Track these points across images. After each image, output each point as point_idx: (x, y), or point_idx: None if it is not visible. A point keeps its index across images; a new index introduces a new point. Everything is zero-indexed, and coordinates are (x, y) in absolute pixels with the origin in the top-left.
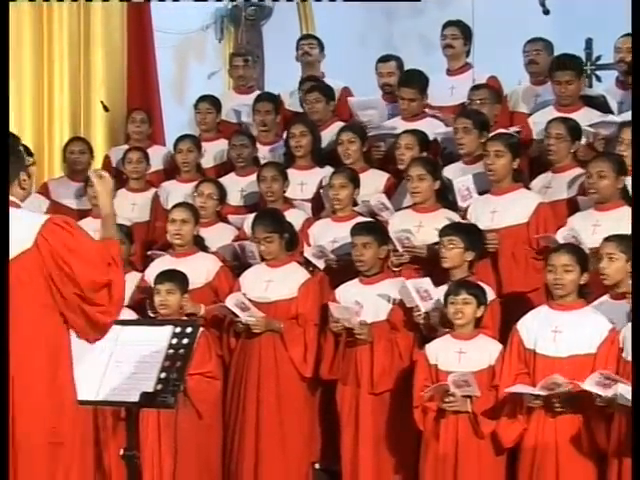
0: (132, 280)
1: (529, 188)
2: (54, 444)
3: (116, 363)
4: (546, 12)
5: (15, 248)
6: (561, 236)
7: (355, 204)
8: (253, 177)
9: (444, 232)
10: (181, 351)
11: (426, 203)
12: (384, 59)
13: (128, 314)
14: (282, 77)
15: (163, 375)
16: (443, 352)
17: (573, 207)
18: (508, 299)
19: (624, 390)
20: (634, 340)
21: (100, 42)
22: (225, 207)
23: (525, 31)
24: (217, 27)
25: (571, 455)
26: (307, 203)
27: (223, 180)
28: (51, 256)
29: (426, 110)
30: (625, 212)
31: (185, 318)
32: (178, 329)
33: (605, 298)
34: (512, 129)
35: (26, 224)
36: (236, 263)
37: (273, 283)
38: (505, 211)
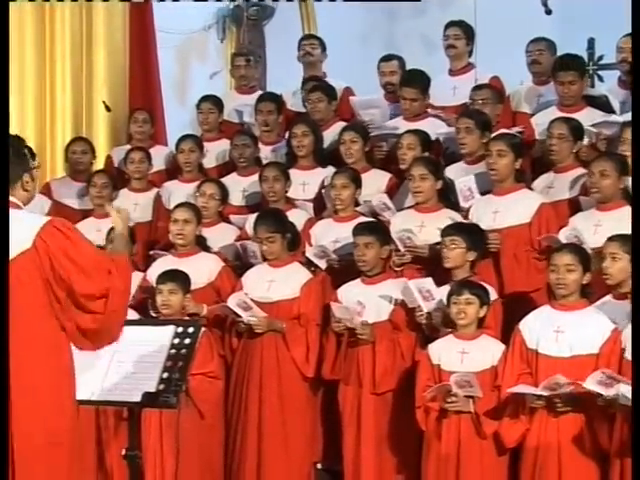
0: (134, 280)
1: (531, 188)
2: (54, 444)
3: (118, 363)
4: (548, 12)
5: (15, 248)
6: (563, 236)
7: (357, 204)
8: (255, 177)
9: (446, 232)
10: (183, 351)
11: (428, 203)
12: (386, 58)
13: (130, 314)
14: (284, 77)
15: (165, 375)
16: (446, 352)
17: (575, 207)
18: (510, 299)
19: (626, 390)
20: (634, 340)
21: (102, 42)
22: (227, 207)
23: (527, 31)
24: (219, 27)
25: (573, 455)
26: (309, 203)
27: (225, 180)
28: (48, 258)
29: (428, 110)
30: (627, 212)
31: (187, 318)
32: (180, 329)
33: (608, 298)
34: (515, 129)
35: (26, 225)
36: (238, 263)
37: (275, 283)
38: (507, 211)
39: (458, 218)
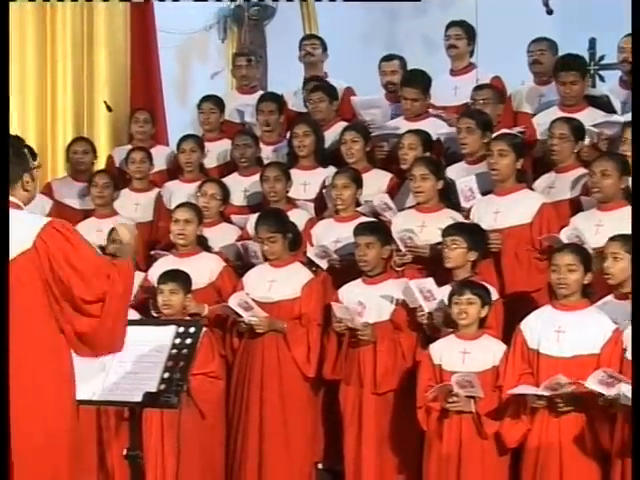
0: (135, 280)
1: (532, 188)
2: (54, 444)
3: (119, 363)
4: (549, 12)
5: (15, 249)
6: (565, 236)
7: (358, 204)
8: (256, 177)
9: (447, 232)
10: (184, 351)
11: (429, 203)
12: (387, 58)
13: (131, 314)
14: (285, 77)
15: (166, 375)
16: (447, 352)
17: (576, 207)
18: (511, 299)
19: (627, 390)
20: (634, 340)
21: (103, 42)
22: (228, 207)
23: (529, 31)
24: (220, 27)
25: (575, 455)
26: (310, 203)
27: (226, 180)
28: (48, 259)
29: (429, 110)
30: (628, 212)
31: (188, 318)
32: (181, 329)
33: (609, 298)
34: (516, 129)
35: (27, 225)
36: (239, 263)
37: (276, 283)
38: (508, 211)
39: (459, 218)
